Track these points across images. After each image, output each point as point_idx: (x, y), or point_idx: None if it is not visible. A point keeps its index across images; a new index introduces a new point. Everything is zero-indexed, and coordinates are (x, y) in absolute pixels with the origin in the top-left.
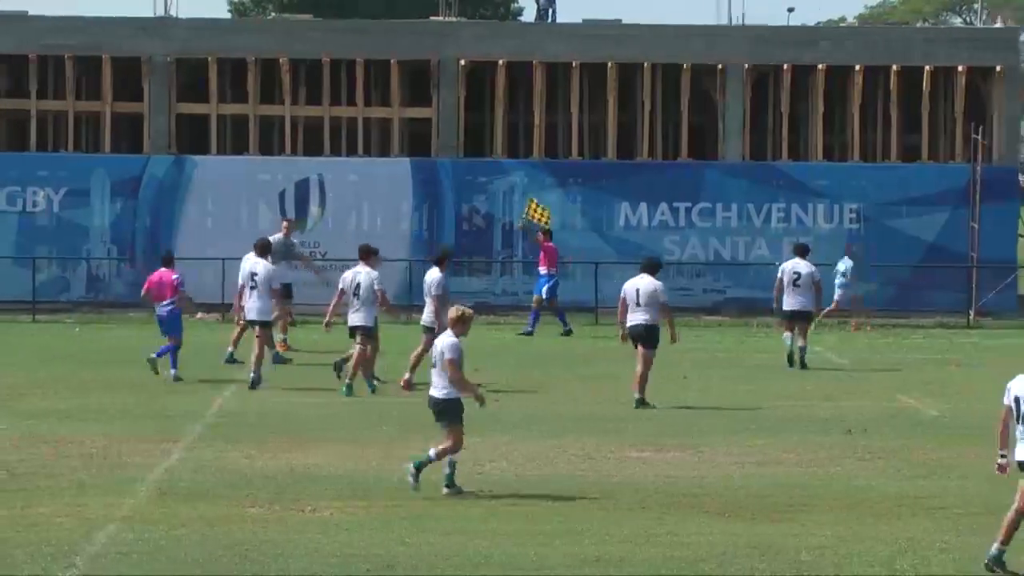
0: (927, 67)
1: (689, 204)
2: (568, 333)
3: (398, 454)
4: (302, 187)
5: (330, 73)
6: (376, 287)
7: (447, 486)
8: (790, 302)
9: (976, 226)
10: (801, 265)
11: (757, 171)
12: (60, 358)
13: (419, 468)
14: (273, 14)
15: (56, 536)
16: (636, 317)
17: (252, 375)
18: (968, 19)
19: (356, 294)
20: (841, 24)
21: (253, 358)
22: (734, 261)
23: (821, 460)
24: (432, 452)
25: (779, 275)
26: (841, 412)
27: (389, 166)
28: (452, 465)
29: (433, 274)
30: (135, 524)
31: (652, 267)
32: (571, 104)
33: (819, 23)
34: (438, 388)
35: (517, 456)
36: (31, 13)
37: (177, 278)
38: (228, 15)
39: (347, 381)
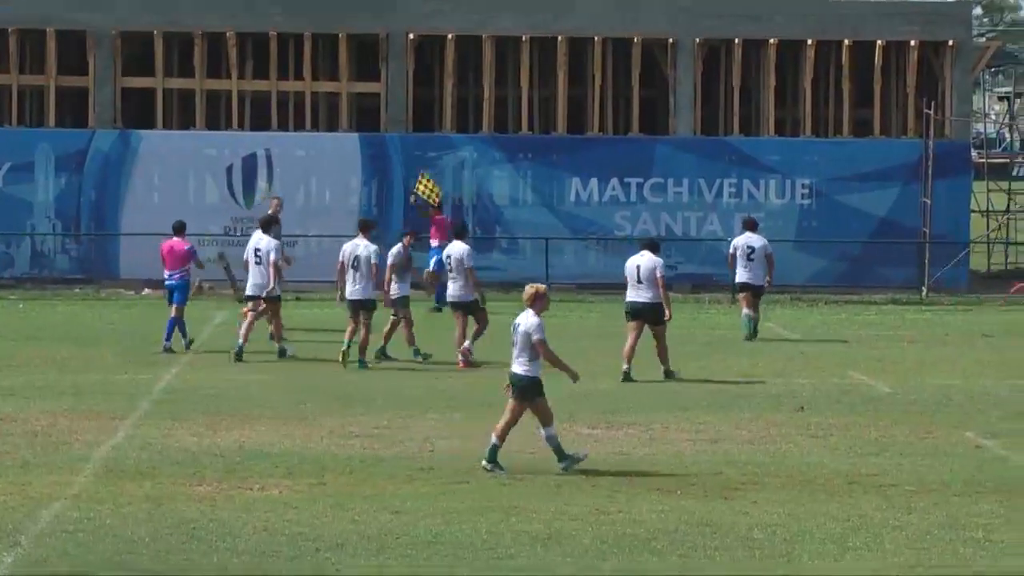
0: (879, 41)
1: (640, 179)
2: (438, 311)
3: (349, 431)
4: (249, 162)
5: (277, 47)
6: (373, 261)
7: (563, 459)
8: (744, 275)
9: (928, 201)
10: (754, 239)
11: (708, 146)
12: (3, 335)
13: (560, 452)
14: None
15: (0, 515)
16: (636, 294)
17: (280, 346)
18: None
19: (355, 267)
20: None
21: (243, 328)
22: (686, 237)
23: (773, 437)
24: (494, 437)
25: (731, 250)
26: (793, 389)
27: (337, 141)
28: (553, 441)
29: (458, 247)
30: (81, 502)
31: (653, 244)
32: (521, 78)
33: None
34: (517, 365)
35: (467, 434)
36: None
37: (190, 247)
38: None
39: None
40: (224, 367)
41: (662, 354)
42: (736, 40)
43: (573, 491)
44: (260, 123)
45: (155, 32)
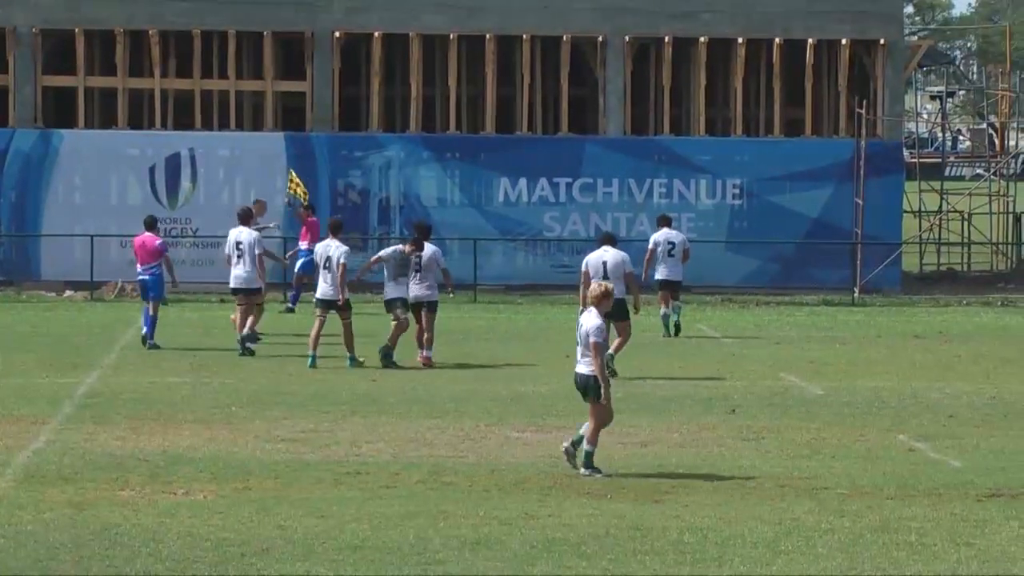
0: (810, 40)
1: (570, 179)
2: (291, 311)
3: (275, 435)
4: (173, 162)
5: (201, 45)
6: (342, 261)
7: (585, 466)
8: (665, 271)
9: (860, 202)
10: (673, 235)
11: (639, 146)
12: None
13: (578, 446)
14: None
15: None
16: None
17: (245, 332)
18: None
19: (327, 267)
20: None
21: (235, 320)
22: (616, 238)
23: (705, 440)
24: (583, 430)
25: (651, 246)
26: (724, 391)
27: (262, 141)
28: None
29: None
30: (1, 508)
31: (613, 239)
32: (449, 77)
33: None
34: (585, 365)
35: (395, 437)
36: None
37: (161, 243)
38: None
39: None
40: (148, 370)
41: (618, 350)
42: (666, 38)
43: (502, 495)
44: (184, 122)
45: (76, 30)
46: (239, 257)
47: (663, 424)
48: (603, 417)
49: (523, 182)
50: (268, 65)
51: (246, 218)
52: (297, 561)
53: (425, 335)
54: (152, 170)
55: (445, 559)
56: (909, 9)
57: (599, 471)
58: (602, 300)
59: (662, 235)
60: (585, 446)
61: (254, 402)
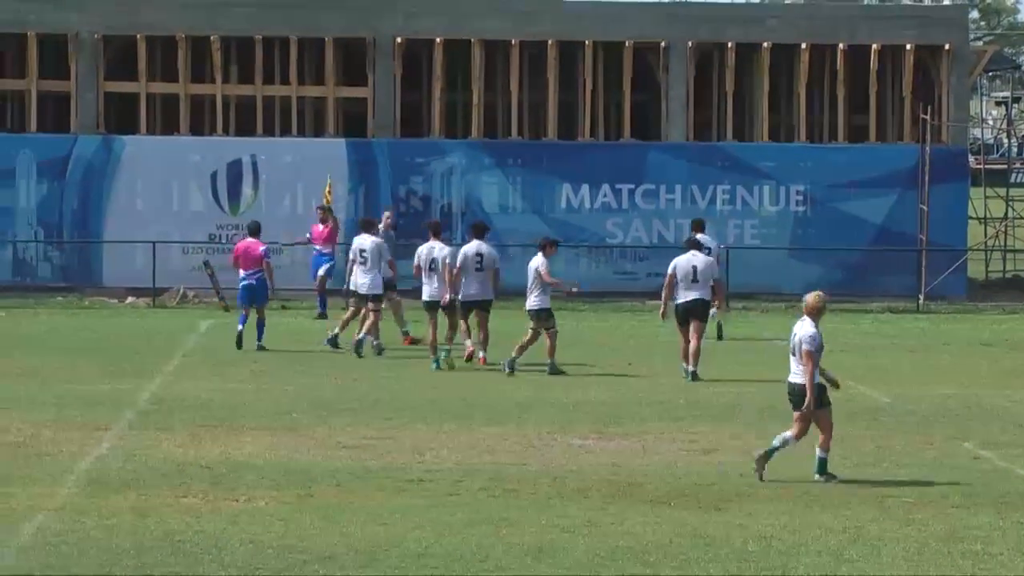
0: (874, 45)
1: (632, 185)
2: (323, 316)
3: (337, 442)
4: (235, 168)
5: (263, 51)
6: (448, 261)
7: (819, 472)
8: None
9: (925, 208)
10: (707, 238)
11: (701, 152)
12: None
13: (823, 469)
14: None
15: None
16: (692, 293)
17: (375, 343)
18: None
19: (432, 269)
20: (787, 1)
21: (366, 325)
22: (678, 244)
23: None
24: (819, 451)
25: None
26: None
27: (324, 147)
28: (783, 443)
29: (538, 259)
30: (64, 515)
31: (699, 244)
32: (511, 83)
33: (764, 1)
34: (798, 375)
35: (458, 445)
36: None
37: (265, 248)
38: None
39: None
40: (210, 377)
41: (698, 354)
42: (729, 44)
43: (565, 503)
44: (245, 128)
45: (138, 36)
46: (362, 264)
47: (726, 431)
48: (829, 423)
49: (585, 188)
50: (330, 71)
51: (368, 226)
52: (360, 568)
53: (481, 335)
54: (214, 176)
55: (507, 567)
56: (974, 14)
57: (834, 477)
58: (818, 311)
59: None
60: (819, 453)
61: (316, 409)
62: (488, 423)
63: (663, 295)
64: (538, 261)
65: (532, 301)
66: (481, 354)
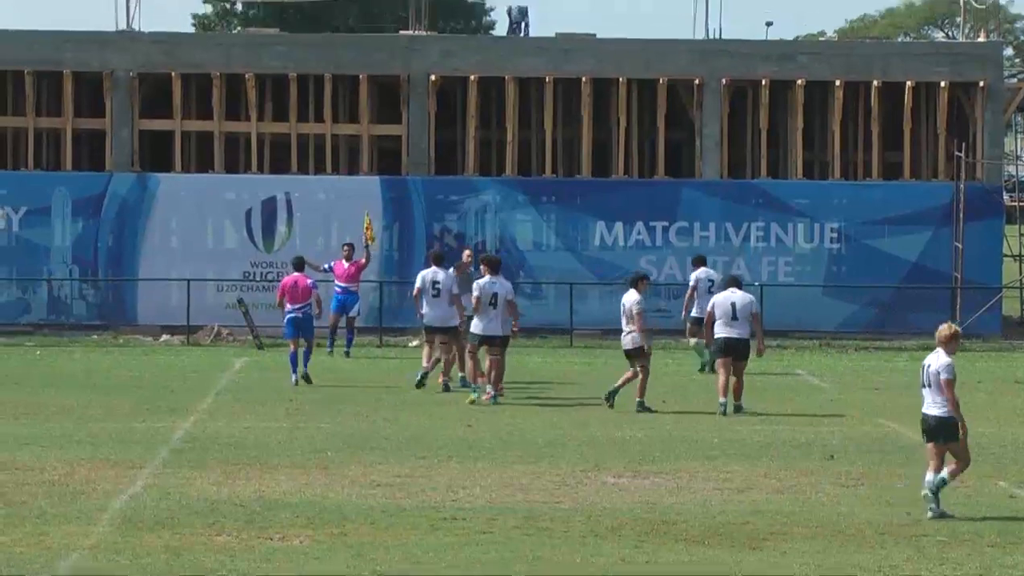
0: (908, 82)
1: (666, 223)
2: (347, 355)
3: (370, 480)
4: (269, 205)
5: (297, 89)
6: (509, 298)
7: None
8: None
9: (960, 246)
10: (712, 272)
11: (736, 189)
12: (20, 382)
13: (936, 492)
14: (238, 28)
15: (17, 566)
16: (732, 330)
17: (461, 379)
18: (950, 33)
19: (493, 304)
20: (821, 39)
21: (443, 363)
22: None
23: (802, 486)
24: (945, 473)
25: (693, 283)
26: (822, 437)
27: (358, 184)
28: (942, 482)
29: (631, 296)
30: (99, 553)
31: (738, 281)
32: (544, 120)
33: (798, 37)
34: (933, 407)
35: (491, 483)
36: None
37: (312, 282)
38: (192, 29)
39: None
40: (244, 415)
41: (739, 389)
42: (763, 81)
43: (599, 541)
44: (280, 166)
45: (173, 73)
46: (435, 296)
47: (760, 469)
48: (966, 457)
49: (619, 226)
50: (364, 108)
51: (439, 259)
52: None
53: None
54: (248, 214)
55: None
56: (1008, 51)
57: (940, 510)
58: (950, 341)
59: (703, 271)
60: (944, 473)
61: (350, 447)
62: (521, 461)
63: (706, 332)
64: (633, 298)
65: (626, 340)
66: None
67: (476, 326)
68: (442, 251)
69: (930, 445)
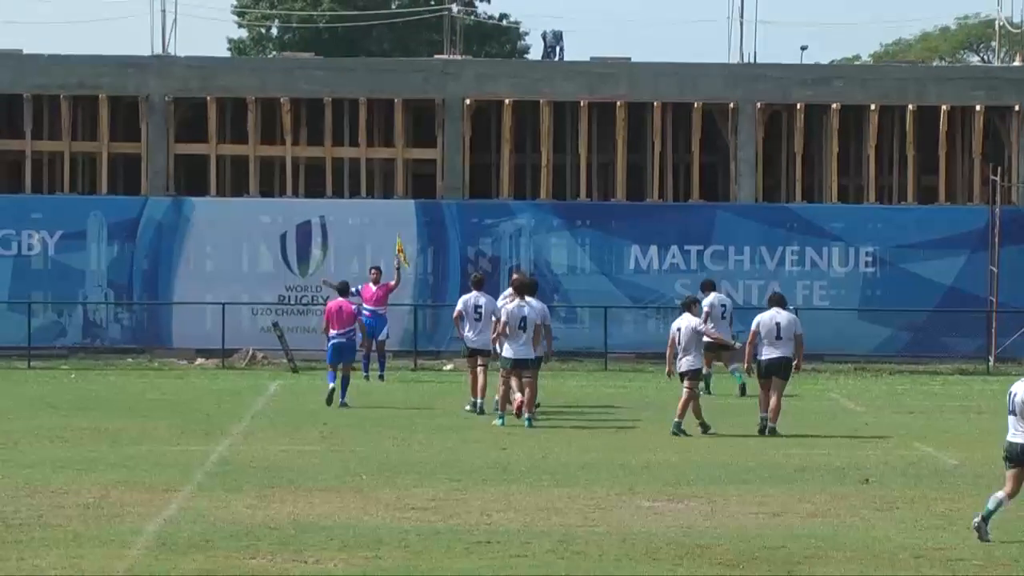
0: (943, 106)
1: (701, 247)
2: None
3: (404, 503)
4: (304, 229)
5: (332, 113)
6: (543, 321)
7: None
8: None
9: (995, 270)
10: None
11: (770, 213)
12: (55, 405)
13: (988, 520)
14: (273, 53)
15: None
16: (776, 350)
17: (479, 402)
18: (986, 57)
19: (522, 327)
20: (855, 63)
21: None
22: (747, 305)
23: (838, 510)
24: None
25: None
26: (857, 460)
27: (393, 208)
28: (997, 504)
29: (686, 320)
30: None
31: (783, 300)
32: (579, 144)
33: (833, 61)
34: (1019, 435)
35: (526, 506)
36: (26, 52)
37: (357, 307)
38: (228, 54)
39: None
40: (279, 439)
41: (778, 410)
42: (798, 105)
43: (634, 565)
44: (314, 190)
45: (208, 98)
46: (477, 320)
47: (796, 493)
48: None
49: (654, 249)
50: (399, 132)
51: (480, 284)
52: None
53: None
54: (283, 237)
55: None
56: None
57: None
58: None
59: (717, 297)
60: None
61: (384, 470)
62: (556, 484)
63: (747, 351)
64: (694, 321)
65: (681, 363)
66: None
67: (507, 350)
68: (483, 276)
69: (1013, 471)
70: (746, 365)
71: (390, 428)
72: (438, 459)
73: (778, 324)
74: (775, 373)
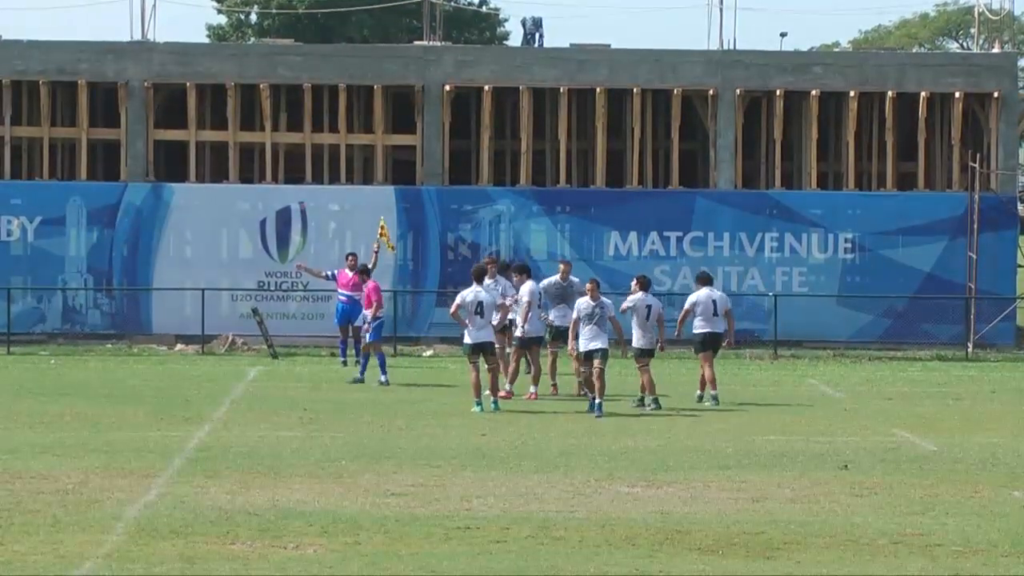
0: (923, 93)
1: (680, 233)
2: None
3: (384, 489)
4: (283, 215)
5: (311, 99)
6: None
7: None
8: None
9: (974, 256)
10: (716, 294)
11: (749, 199)
12: (35, 391)
13: None
14: (253, 39)
15: (31, 574)
16: (713, 325)
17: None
18: (964, 44)
19: (479, 313)
20: (835, 49)
21: (498, 379)
22: (726, 291)
23: (816, 495)
24: None
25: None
26: (836, 446)
27: (373, 194)
28: None
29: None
30: (112, 562)
31: (710, 279)
32: (559, 131)
33: (812, 48)
34: None
35: (505, 492)
36: (4, 37)
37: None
38: (207, 40)
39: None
40: (258, 424)
41: (714, 378)
42: (777, 92)
43: (613, 551)
44: (294, 176)
45: (188, 84)
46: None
47: (774, 479)
48: None
49: (633, 236)
50: (378, 119)
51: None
52: None
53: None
54: (263, 224)
55: None
56: (1023, 62)
57: None
58: None
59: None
60: None
61: (364, 456)
62: (535, 470)
63: (677, 327)
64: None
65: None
66: (507, 387)
67: (466, 336)
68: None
69: None
70: (677, 333)
71: (370, 414)
72: (418, 445)
73: (714, 302)
74: (712, 347)
